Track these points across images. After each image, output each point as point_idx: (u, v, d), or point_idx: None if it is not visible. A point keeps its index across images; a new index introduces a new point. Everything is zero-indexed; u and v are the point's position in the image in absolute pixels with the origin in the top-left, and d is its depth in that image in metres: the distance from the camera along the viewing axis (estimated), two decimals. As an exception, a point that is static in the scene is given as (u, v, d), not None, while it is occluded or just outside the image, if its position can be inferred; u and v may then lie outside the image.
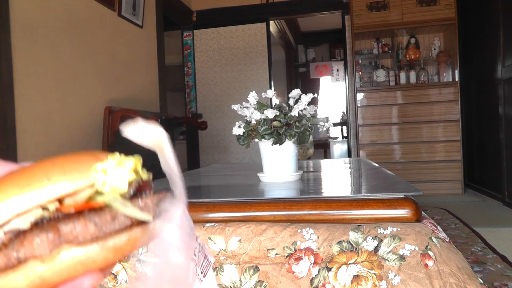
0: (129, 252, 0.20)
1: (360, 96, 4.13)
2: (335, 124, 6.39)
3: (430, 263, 0.75)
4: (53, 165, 0.18)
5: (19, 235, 0.17)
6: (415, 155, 4.01)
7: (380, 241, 0.78)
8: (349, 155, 4.67)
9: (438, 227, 0.85)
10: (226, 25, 4.55)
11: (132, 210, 0.19)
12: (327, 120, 6.45)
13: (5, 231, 0.17)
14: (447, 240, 0.80)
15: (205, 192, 1.30)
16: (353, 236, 0.79)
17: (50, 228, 0.17)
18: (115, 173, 0.19)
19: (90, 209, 0.19)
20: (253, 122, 1.24)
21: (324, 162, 2.10)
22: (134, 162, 0.20)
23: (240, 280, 0.80)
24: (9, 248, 0.17)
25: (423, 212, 0.89)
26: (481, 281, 0.75)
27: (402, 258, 0.76)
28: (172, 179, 0.24)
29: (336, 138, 6.23)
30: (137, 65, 3.16)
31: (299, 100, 1.24)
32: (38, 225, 0.18)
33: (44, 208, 0.18)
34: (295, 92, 1.25)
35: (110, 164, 0.19)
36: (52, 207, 0.18)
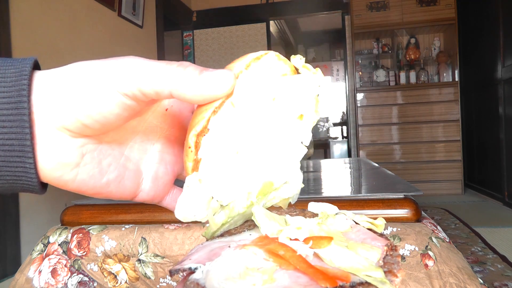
0: None
1: (360, 96, 4.13)
2: (335, 124, 6.39)
3: (430, 263, 0.74)
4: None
5: None
6: (415, 155, 4.01)
7: (380, 241, 0.78)
8: (349, 155, 4.67)
9: (438, 227, 0.85)
10: (226, 25, 4.55)
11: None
12: (327, 120, 6.46)
13: None
14: (447, 240, 0.80)
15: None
16: (353, 236, 0.79)
17: None
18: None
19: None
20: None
21: (324, 162, 2.10)
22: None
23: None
24: None
25: (423, 212, 0.89)
26: (481, 281, 0.75)
27: (402, 258, 0.76)
28: None
29: (336, 138, 6.22)
30: (137, 65, 3.16)
31: (299, 100, 1.24)
32: None
33: None
34: (295, 92, 1.25)
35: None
36: None
